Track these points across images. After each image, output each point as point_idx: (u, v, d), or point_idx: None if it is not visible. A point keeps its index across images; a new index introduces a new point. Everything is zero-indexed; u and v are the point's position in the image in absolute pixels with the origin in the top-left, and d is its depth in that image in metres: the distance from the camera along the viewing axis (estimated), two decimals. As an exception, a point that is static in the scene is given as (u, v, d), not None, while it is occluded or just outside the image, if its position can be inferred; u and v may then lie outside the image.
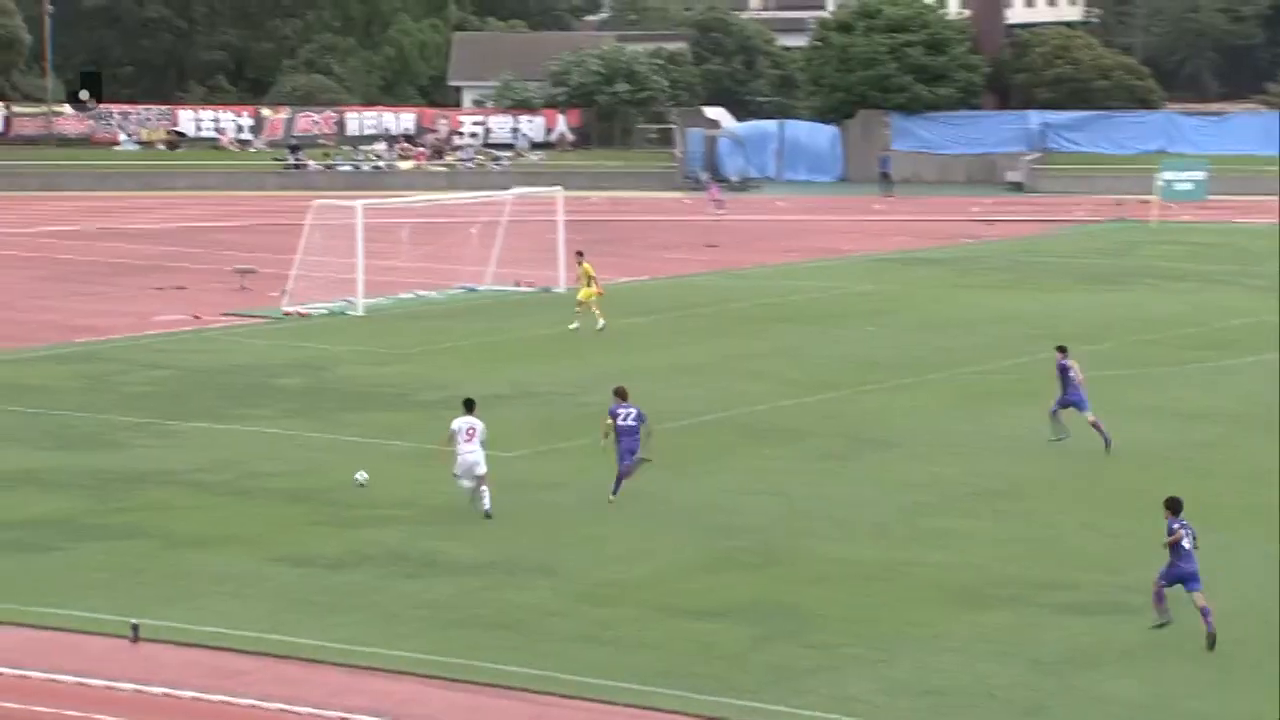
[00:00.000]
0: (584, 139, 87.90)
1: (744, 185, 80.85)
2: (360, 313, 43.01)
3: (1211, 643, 18.35)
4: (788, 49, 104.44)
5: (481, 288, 47.40)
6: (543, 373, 35.03)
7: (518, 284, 47.68)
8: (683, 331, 40.12)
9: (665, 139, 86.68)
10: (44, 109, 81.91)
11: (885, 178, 79.77)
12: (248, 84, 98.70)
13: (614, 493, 24.27)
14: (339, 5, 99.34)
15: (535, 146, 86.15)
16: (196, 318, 42.46)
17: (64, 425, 29.81)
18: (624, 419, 24.29)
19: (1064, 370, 27.80)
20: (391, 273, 47.74)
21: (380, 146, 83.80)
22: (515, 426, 29.89)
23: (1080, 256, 56.31)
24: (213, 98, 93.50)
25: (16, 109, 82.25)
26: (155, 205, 71.00)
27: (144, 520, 23.57)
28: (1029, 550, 22.30)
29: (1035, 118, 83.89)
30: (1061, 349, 28.26)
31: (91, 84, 32.57)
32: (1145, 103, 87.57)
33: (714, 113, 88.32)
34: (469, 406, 24.16)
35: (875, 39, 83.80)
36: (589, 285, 39.94)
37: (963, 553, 22.13)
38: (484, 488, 23.66)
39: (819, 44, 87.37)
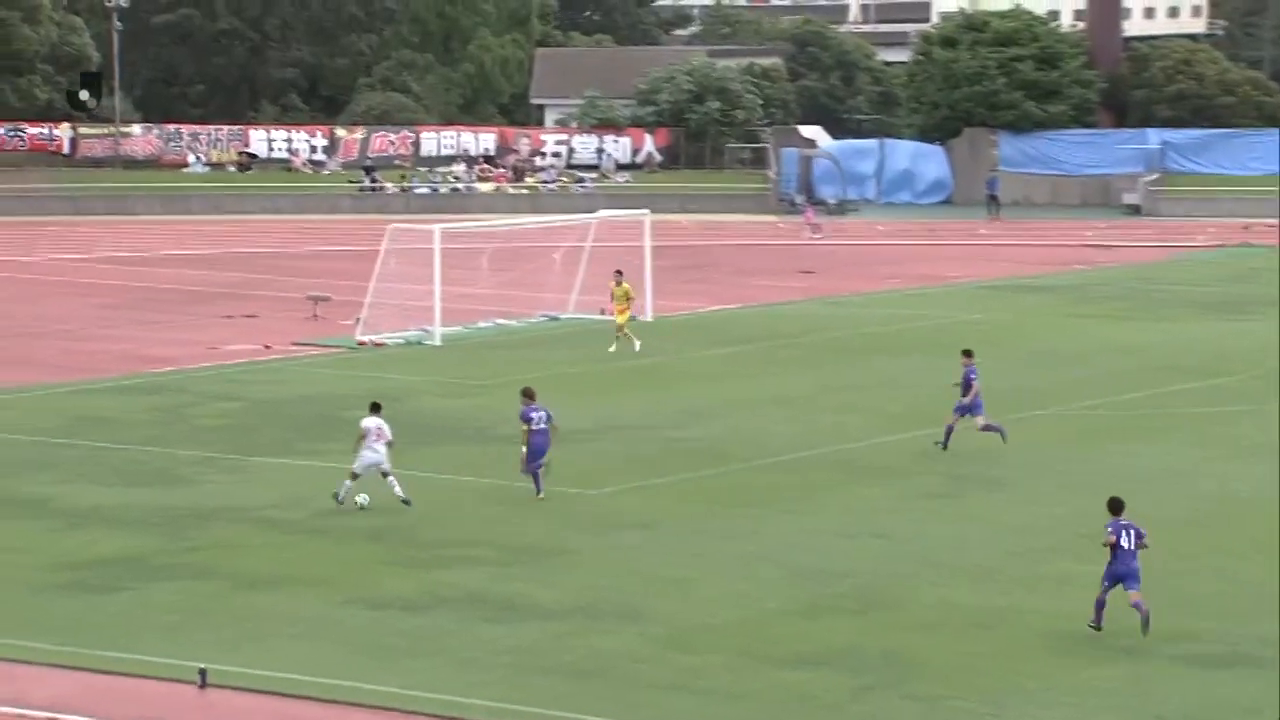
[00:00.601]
0: (672, 159, 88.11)
1: (841, 208, 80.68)
2: (437, 342, 43.32)
3: (1145, 624, 20.05)
4: (888, 64, 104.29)
5: (564, 316, 47.57)
6: (629, 405, 35.12)
7: (603, 312, 47.82)
8: (775, 362, 40.11)
9: (758, 159, 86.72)
10: (111, 129, 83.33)
11: (993, 200, 79.31)
12: (321, 103, 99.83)
13: (541, 492, 26.63)
14: (417, 20, 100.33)
15: (621, 168, 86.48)
16: (267, 347, 42.92)
17: (131, 460, 30.22)
18: (536, 423, 26.63)
19: (969, 377, 30.15)
20: (470, 300, 48.04)
21: (459, 168, 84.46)
22: (600, 462, 29.95)
23: (1201, 284, 55.72)
24: (285, 117, 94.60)
25: (83, 130, 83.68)
26: (225, 229, 71.96)
27: (213, 560, 23.86)
28: (1147, 597, 22.05)
29: (1154, 136, 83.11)
30: (967, 353, 30.57)
31: (91, 84, 33.04)
32: (1274, 120, 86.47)
33: (810, 132, 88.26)
34: (375, 409, 26.46)
35: (982, 53, 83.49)
36: (623, 307, 41.35)
37: (1076, 599, 21.91)
38: (391, 478, 26.02)
39: (921, 59, 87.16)
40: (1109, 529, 20.43)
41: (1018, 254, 65.47)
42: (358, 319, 44.61)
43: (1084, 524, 25.74)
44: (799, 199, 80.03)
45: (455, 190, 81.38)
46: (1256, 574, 22.68)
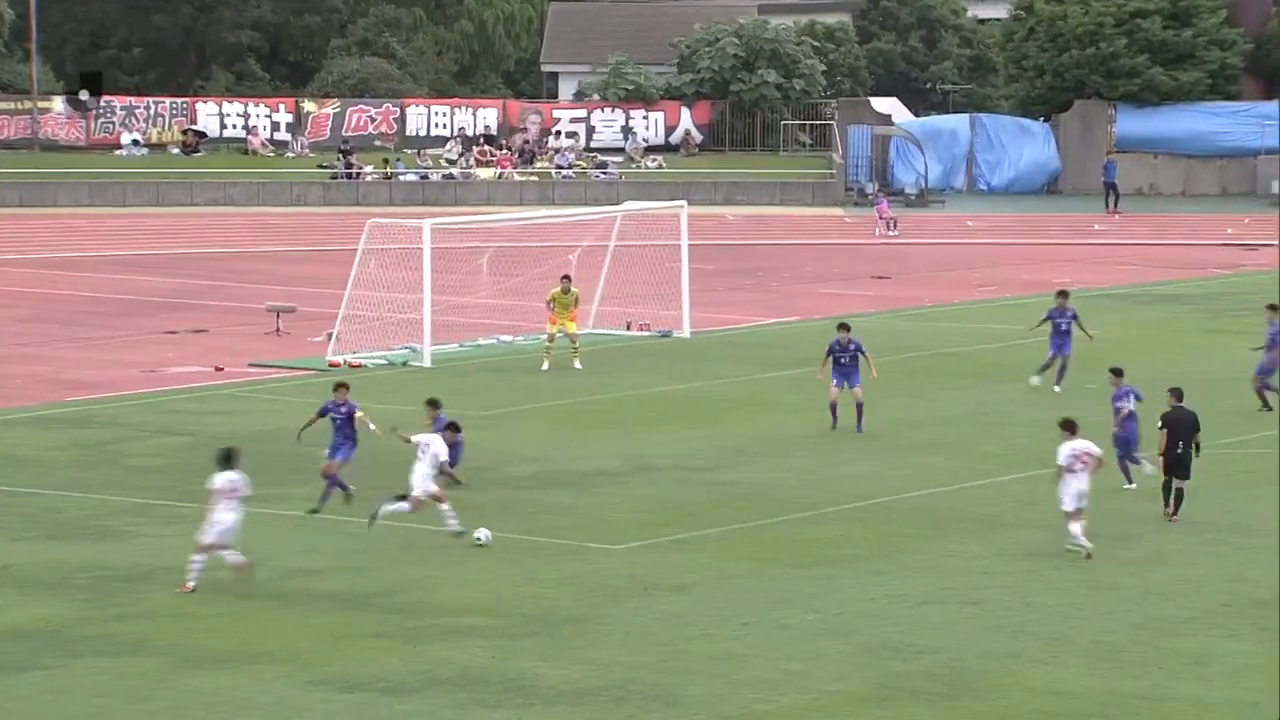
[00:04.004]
0: (716, 140, 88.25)
1: (923, 199, 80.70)
2: (427, 363, 43.40)
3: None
4: (981, 22, 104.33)
5: (583, 331, 47.63)
6: (664, 442, 35.12)
7: (629, 326, 47.87)
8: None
9: (821, 140, 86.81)
10: (28, 104, 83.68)
11: (1110, 189, 79.24)
12: (285, 70, 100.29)
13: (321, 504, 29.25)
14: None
15: (652, 150, 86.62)
16: (219, 369, 43.04)
17: (51, 508, 30.28)
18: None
19: (853, 350, 35.83)
20: (467, 312, 48.10)
21: (453, 150, 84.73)
22: (628, 511, 29.94)
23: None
24: (241, 87, 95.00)
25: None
26: (168, 225, 72.27)
27: (149, 631, 23.85)
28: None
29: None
30: (843, 326, 36.40)
31: (92, 83, 33.42)
32: None
33: (885, 105, 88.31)
34: (229, 459, 25.87)
35: (1096, 8, 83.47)
36: (564, 317, 42.65)
37: (1223, 685, 21.79)
38: (226, 552, 25.59)
39: (1022, 15, 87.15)
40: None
41: (1141, 255, 65.31)
42: (329, 335, 44.69)
43: (1228, 590, 25.59)
44: (871, 188, 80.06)
45: (449, 177, 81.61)
46: None
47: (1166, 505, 29.18)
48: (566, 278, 43.90)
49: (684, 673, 22.23)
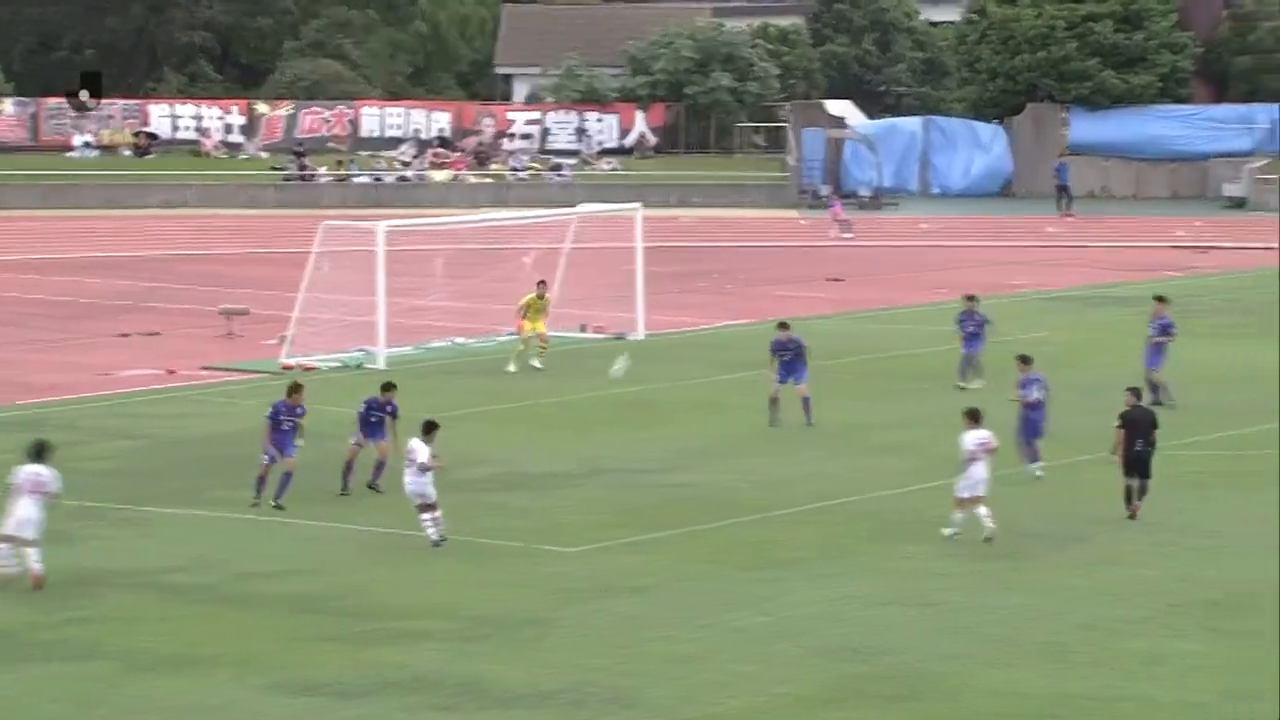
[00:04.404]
0: (671, 142, 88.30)
1: (877, 202, 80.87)
2: (381, 366, 43.33)
3: None
4: (935, 25, 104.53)
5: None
6: (619, 444, 35.16)
7: (585, 329, 47.89)
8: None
9: (775, 142, 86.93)
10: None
11: (1063, 191, 79.53)
12: (238, 72, 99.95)
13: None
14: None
15: (607, 152, 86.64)
16: (171, 372, 42.92)
17: (1, 512, 30.13)
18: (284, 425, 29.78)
19: (794, 347, 36.60)
20: (422, 315, 48.03)
21: (407, 152, 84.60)
22: (583, 514, 29.95)
23: (1322, 294, 55.76)
24: (193, 89, 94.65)
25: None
26: (120, 227, 71.98)
27: (102, 636, 23.77)
28: (1258, 684, 22.02)
29: (1264, 114, 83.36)
30: (783, 325, 37.41)
31: (92, 83, 33.62)
32: None
33: (838, 108, 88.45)
34: (40, 453, 25.89)
35: (1049, 10, 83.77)
36: (536, 321, 43.03)
37: (1172, 685, 21.90)
38: (32, 550, 25.27)
39: (975, 17, 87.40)
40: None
41: (1093, 258, 65.57)
42: (283, 338, 44.61)
43: (1178, 591, 25.72)
44: (825, 190, 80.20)
45: (403, 180, 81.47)
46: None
47: (1129, 504, 29.33)
48: (542, 283, 44.19)
49: (641, 675, 22.24)
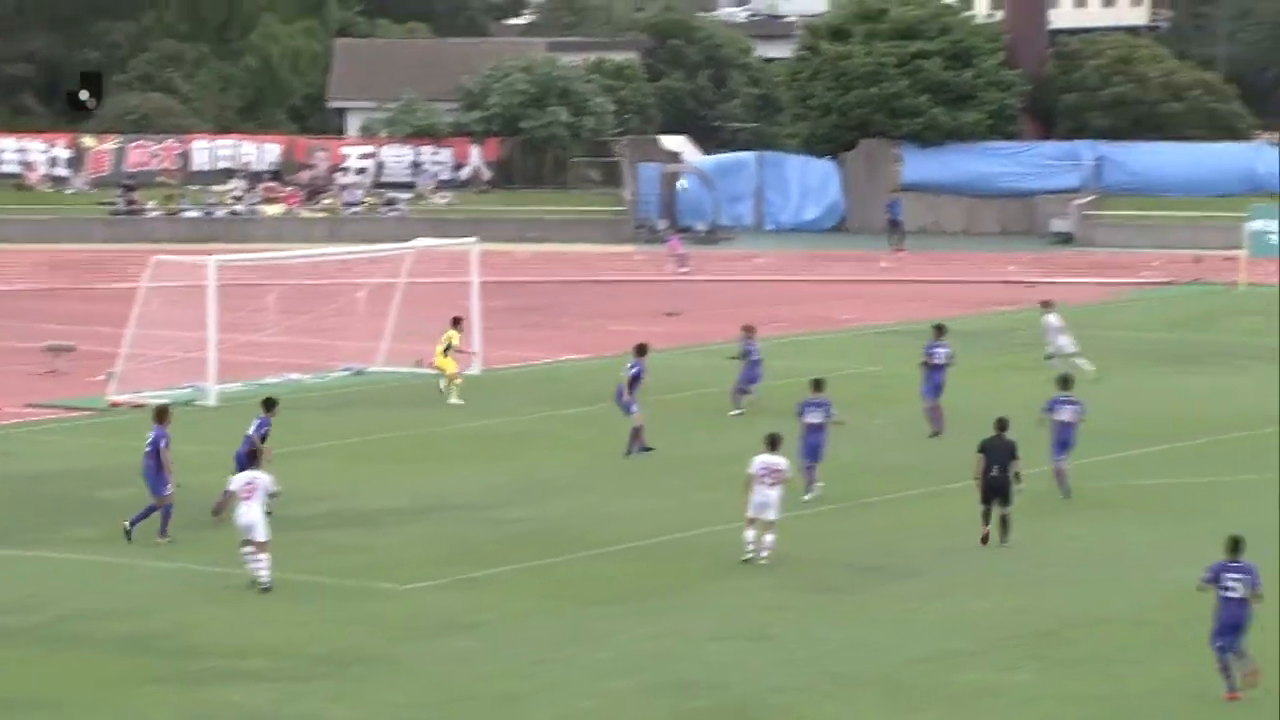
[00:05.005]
0: (506, 177, 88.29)
1: (713, 236, 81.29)
2: (212, 402, 42.91)
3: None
4: (769, 61, 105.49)
5: (373, 369, 47.32)
6: (455, 479, 35.02)
7: (420, 364, 47.65)
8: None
9: (611, 177, 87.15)
10: None
11: (895, 226, 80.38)
12: (63, 104, 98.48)
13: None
14: (185, 1, 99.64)
15: (442, 186, 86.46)
16: (-4, 410, 42.26)
17: None
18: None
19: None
20: (255, 350, 47.61)
21: (238, 186, 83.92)
22: (417, 550, 29.79)
23: (1146, 330, 56.72)
24: (17, 122, 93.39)
25: None
26: (-57, 262, 70.71)
27: (-75, 677, 23.33)
28: (1087, 714, 22.28)
29: (1088, 150, 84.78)
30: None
31: (92, 84, 32.94)
32: (1230, 131, 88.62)
33: (674, 143, 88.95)
34: None
35: (880, 48, 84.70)
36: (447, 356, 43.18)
37: (999, 715, 22.05)
38: None
39: (807, 54, 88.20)
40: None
41: (924, 293, 66.23)
42: (110, 374, 44.04)
43: (1013, 623, 25.98)
44: (661, 225, 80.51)
45: (234, 214, 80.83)
46: (1211, 682, 22.97)
47: (985, 524, 29.77)
48: (458, 319, 44.16)
49: (474, 714, 22.13)
